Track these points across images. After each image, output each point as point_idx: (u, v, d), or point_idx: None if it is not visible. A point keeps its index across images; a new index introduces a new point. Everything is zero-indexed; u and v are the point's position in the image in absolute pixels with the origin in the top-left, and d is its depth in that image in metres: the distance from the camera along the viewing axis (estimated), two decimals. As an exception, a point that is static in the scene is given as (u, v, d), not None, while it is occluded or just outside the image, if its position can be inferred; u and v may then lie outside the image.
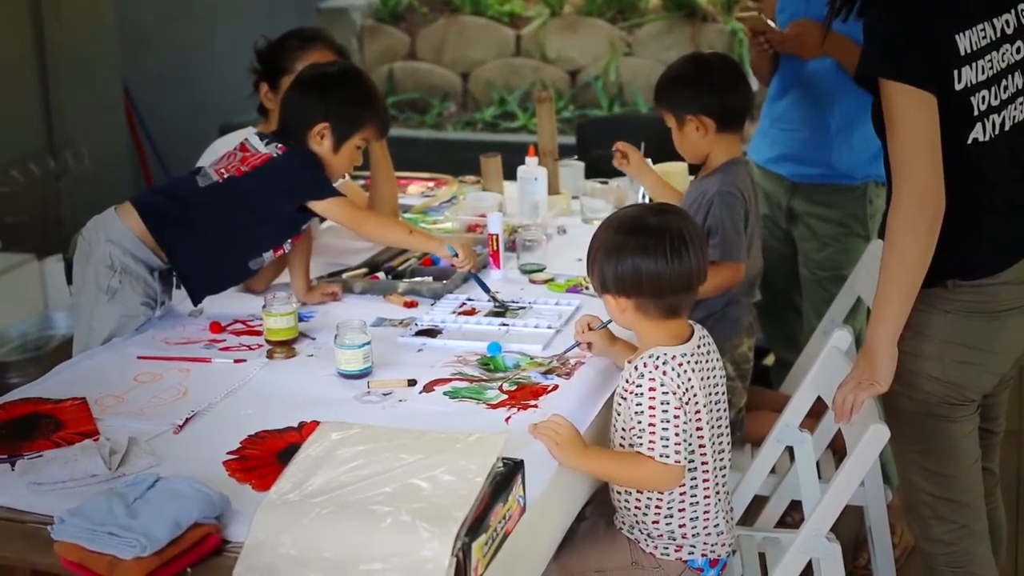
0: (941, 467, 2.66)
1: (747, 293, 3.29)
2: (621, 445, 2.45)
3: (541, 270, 3.36)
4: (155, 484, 2.08)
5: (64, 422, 2.46)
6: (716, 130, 3.19)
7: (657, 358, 2.38)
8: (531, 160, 3.87)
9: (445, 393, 2.60)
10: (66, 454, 2.27)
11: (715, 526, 2.50)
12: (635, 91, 6.87)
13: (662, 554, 2.50)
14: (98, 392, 2.62)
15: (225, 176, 2.96)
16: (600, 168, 4.06)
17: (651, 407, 2.34)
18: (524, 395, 2.58)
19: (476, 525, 1.94)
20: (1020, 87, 2.55)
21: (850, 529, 3.49)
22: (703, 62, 3.32)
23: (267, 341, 2.84)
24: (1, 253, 5.29)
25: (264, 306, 2.84)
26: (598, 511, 2.63)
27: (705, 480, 2.47)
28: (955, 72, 2.44)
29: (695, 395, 2.39)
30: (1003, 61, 2.50)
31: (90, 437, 2.37)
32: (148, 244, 2.95)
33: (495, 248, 3.36)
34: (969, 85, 2.45)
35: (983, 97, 2.48)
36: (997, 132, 2.51)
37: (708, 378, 2.47)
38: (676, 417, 2.34)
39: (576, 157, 4.05)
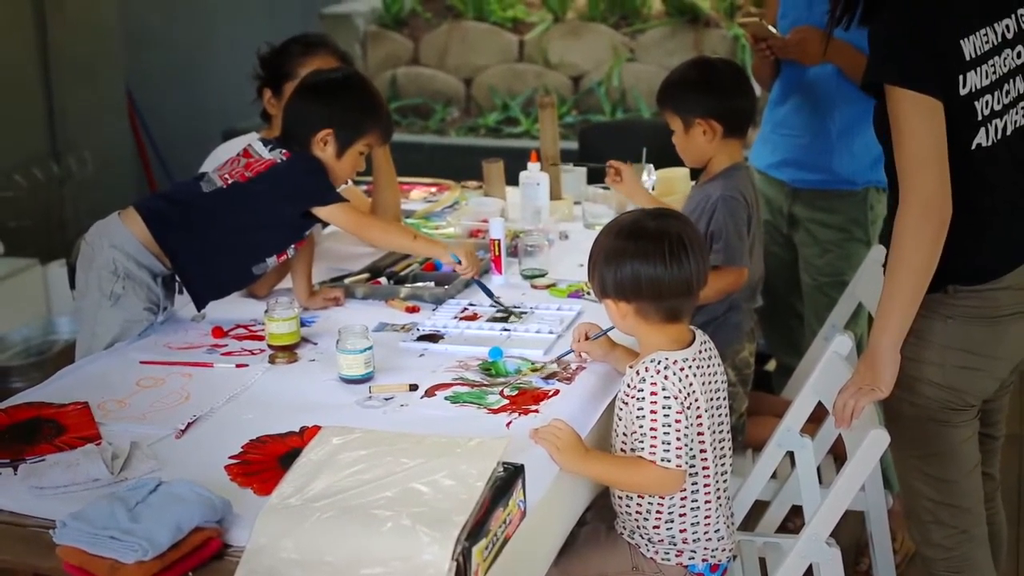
0: (941, 472, 2.66)
1: (749, 299, 3.30)
2: (622, 450, 2.45)
3: (543, 275, 3.36)
4: (157, 488, 2.09)
5: (66, 426, 2.47)
6: (723, 135, 3.19)
7: (659, 363, 2.38)
8: (533, 165, 3.87)
9: (446, 398, 2.60)
10: (68, 458, 2.27)
11: (716, 531, 2.50)
12: (637, 96, 6.87)
13: (663, 559, 2.50)
14: (100, 397, 2.63)
15: (229, 182, 2.97)
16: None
17: (652, 411, 2.34)
18: (525, 400, 2.58)
19: (476, 529, 1.94)
20: (1022, 91, 2.56)
21: (851, 534, 3.49)
22: (712, 66, 3.34)
23: (269, 346, 2.85)
24: (4, 258, 5.30)
25: (266, 311, 2.84)
26: (599, 516, 2.64)
27: (706, 485, 2.47)
28: (960, 77, 2.44)
29: (696, 400, 2.40)
30: (1005, 66, 2.51)
31: (92, 441, 2.37)
32: (151, 249, 2.95)
33: (497, 253, 3.36)
34: (974, 90, 2.46)
35: (987, 102, 2.48)
36: (999, 137, 2.52)
37: (709, 383, 2.47)
38: (677, 422, 2.34)
39: (572, 165, 4.04)
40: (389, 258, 3.50)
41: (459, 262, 3.14)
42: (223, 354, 2.89)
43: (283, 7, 7.23)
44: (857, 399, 2.54)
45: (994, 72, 2.49)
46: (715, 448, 2.48)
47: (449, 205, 4.11)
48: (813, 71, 3.55)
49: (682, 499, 2.46)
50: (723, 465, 2.52)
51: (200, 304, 3.02)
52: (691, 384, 2.39)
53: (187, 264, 2.98)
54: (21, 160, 5.84)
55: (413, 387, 2.64)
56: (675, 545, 2.49)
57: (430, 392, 2.63)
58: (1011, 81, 2.53)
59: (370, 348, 2.69)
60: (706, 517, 2.49)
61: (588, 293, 3.13)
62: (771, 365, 4.12)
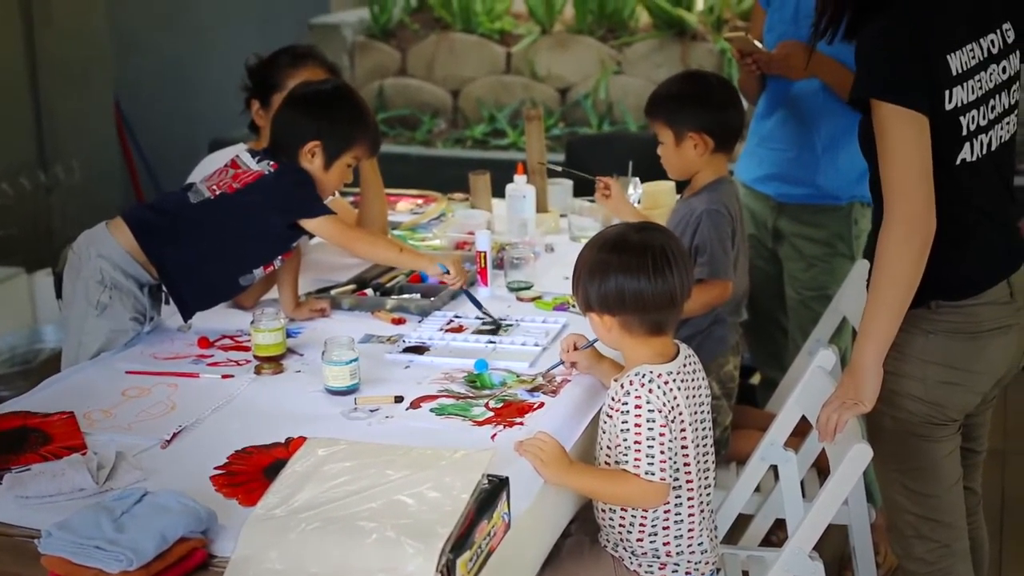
0: (923, 487, 2.68)
1: (733, 312, 3.31)
2: (606, 463, 2.46)
3: (529, 288, 3.37)
4: (142, 498, 2.09)
5: (52, 436, 2.47)
6: (713, 149, 3.21)
7: (643, 376, 2.39)
8: (519, 178, 3.88)
9: (432, 410, 2.61)
10: (54, 468, 2.28)
11: (699, 544, 2.51)
12: (624, 109, 6.89)
13: (646, 572, 2.51)
14: (86, 406, 2.63)
15: (217, 193, 2.98)
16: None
17: (637, 424, 2.35)
18: (510, 412, 2.59)
19: (461, 541, 1.95)
20: (1007, 107, 2.57)
21: (834, 548, 3.50)
22: (706, 80, 3.35)
23: (255, 357, 2.85)
24: (-9, 266, 5.30)
25: (252, 322, 2.85)
26: (582, 529, 2.64)
27: (690, 498, 2.48)
28: (946, 92, 2.46)
29: (680, 413, 2.41)
30: (991, 81, 2.53)
31: (78, 451, 2.38)
32: (139, 260, 2.96)
33: (483, 266, 3.37)
34: (959, 105, 2.47)
35: (972, 117, 2.50)
36: (984, 152, 2.53)
37: (693, 396, 2.48)
38: (661, 435, 2.34)
39: (560, 169, 4.04)
40: (375, 269, 3.51)
41: (447, 272, 3.15)
42: (209, 364, 2.90)
43: (272, 17, 7.23)
44: (840, 413, 2.55)
45: (980, 87, 2.50)
46: (699, 461, 2.49)
47: (435, 217, 4.12)
48: (799, 85, 3.57)
49: (665, 512, 2.47)
50: (707, 479, 2.53)
51: (186, 315, 3.03)
52: (675, 398, 2.40)
53: (174, 274, 2.98)
54: (8, 168, 5.83)
55: (398, 399, 2.65)
56: (658, 558, 2.50)
57: (415, 404, 2.64)
58: (996, 96, 2.54)
59: (356, 360, 2.69)
60: (689, 530, 2.49)
61: (573, 306, 3.14)
62: (755, 378, 4.13)
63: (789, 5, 3.59)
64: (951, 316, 2.57)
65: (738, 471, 3.20)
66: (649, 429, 2.34)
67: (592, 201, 3.91)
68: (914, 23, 2.46)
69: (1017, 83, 2.60)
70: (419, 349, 2.95)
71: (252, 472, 2.32)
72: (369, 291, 3.38)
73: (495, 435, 2.48)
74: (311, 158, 3.01)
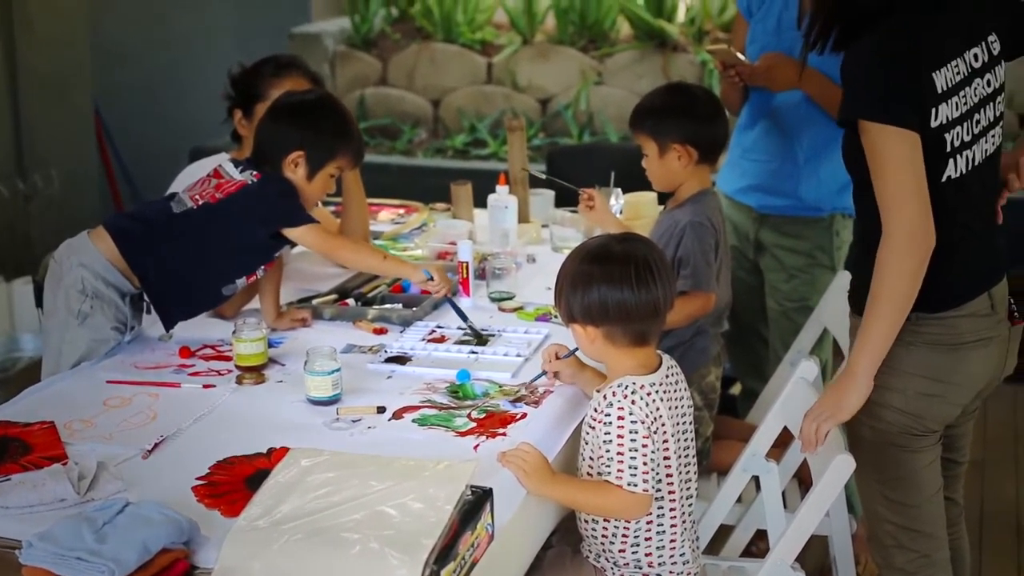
0: (903, 497, 2.68)
1: (715, 324, 3.32)
2: (589, 473, 2.46)
3: (511, 298, 3.37)
4: (124, 509, 2.08)
5: (32, 446, 2.46)
6: (697, 160, 3.21)
7: (626, 387, 2.39)
8: (501, 188, 3.88)
9: (414, 420, 2.61)
10: (34, 478, 2.27)
11: (681, 555, 2.51)
12: (605, 120, 6.90)
13: (629, 584, 2.52)
14: (67, 416, 2.62)
15: (200, 202, 2.97)
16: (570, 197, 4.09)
17: (619, 436, 2.36)
18: (493, 423, 2.59)
19: (445, 553, 1.95)
20: (991, 120, 2.58)
21: (815, 559, 3.51)
22: (690, 92, 3.36)
23: (236, 367, 2.85)
24: (-31, 275, 5.28)
25: (234, 332, 2.84)
26: (565, 539, 2.64)
27: (672, 509, 2.48)
28: (932, 110, 2.46)
29: (663, 425, 2.41)
30: (975, 96, 2.53)
31: (59, 461, 2.36)
32: (120, 269, 2.95)
33: (465, 276, 3.37)
34: (944, 122, 2.48)
35: (957, 133, 2.50)
36: (969, 168, 2.54)
37: (676, 408, 2.48)
38: (644, 446, 2.35)
39: (544, 177, 4.02)
40: (357, 279, 3.50)
41: (431, 279, 3.14)
42: (190, 374, 2.88)
43: (252, 26, 7.22)
44: (820, 424, 2.56)
45: (964, 103, 2.51)
46: (681, 472, 2.49)
47: (417, 227, 4.12)
48: (781, 97, 3.58)
49: (648, 523, 2.47)
50: (689, 489, 2.54)
51: (168, 324, 3.01)
52: (658, 409, 2.40)
53: (156, 284, 2.97)
54: (-13, 177, 5.82)
55: (381, 409, 2.64)
56: (640, 569, 2.50)
57: (398, 414, 2.63)
58: (981, 111, 2.55)
59: (338, 370, 2.69)
60: (671, 541, 2.50)
61: (556, 316, 3.14)
62: (736, 389, 4.14)
63: (772, 16, 3.61)
64: (932, 328, 2.57)
65: (719, 482, 3.21)
66: (632, 440, 2.35)
67: (574, 211, 3.92)
68: (901, 42, 2.46)
69: (1002, 95, 2.61)
70: (401, 359, 2.95)
71: (234, 482, 2.32)
72: (351, 301, 3.37)
73: (478, 446, 2.48)
74: (294, 168, 3.00)
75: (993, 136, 2.61)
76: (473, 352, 2.97)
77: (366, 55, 7.40)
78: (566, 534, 2.63)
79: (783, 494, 2.93)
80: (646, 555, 2.49)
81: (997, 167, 2.67)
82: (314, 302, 3.33)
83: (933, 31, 2.49)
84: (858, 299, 2.60)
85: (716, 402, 3.36)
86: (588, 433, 2.47)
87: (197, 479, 2.34)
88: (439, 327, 3.15)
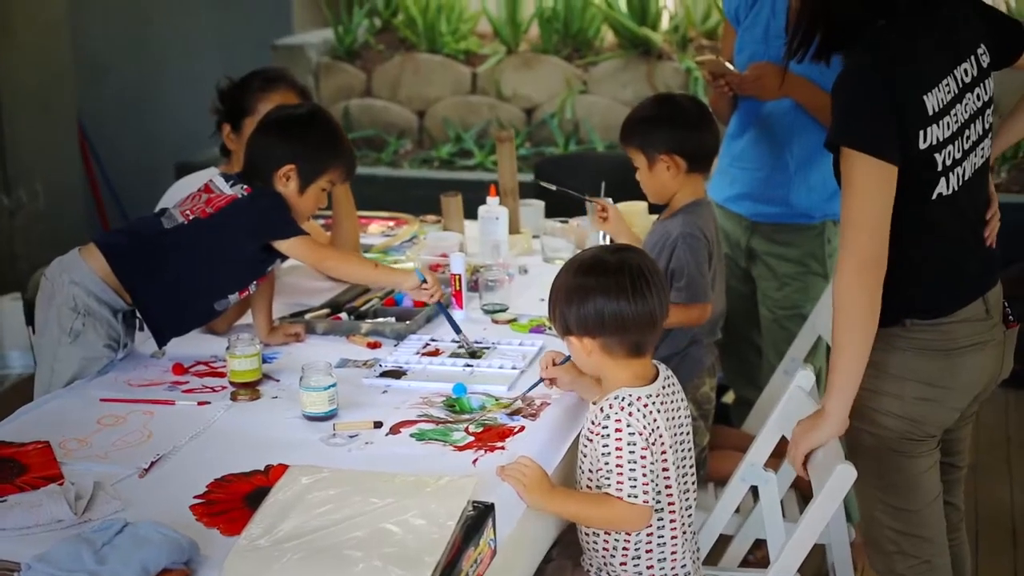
0: (903, 503, 2.68)
1: (709, 334, 3.31)
2: (588, 486, 2.46)
3: (504, 310, 3.36)
4: (123, 530, 2.06)
5: (27, 466, 2.44)
6: (687, 170, 3.20)
7: (623, 400, 2.39)
8: (492, 200, 3.87)
9: (411, 435, 2.59)
10: (31, 499, 2.25)
11: (682, 567, 2.50)
12: (590, 129, 6.89)
13: (630, 596, 2.51)
14: (61, 435, 2.60)
15: (190, 217, 2.95)
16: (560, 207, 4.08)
17: (618, 448, 2.35)
18: (491, 437, 2.58)
19: (448, 570, 1.94)
20: (981, 133, 2.59)
21: (812, 566, 3.49)
22: (674, 102, 3.35)
23: (231, 383, 2.83)
24: (-45, 292, 5.25)
25: (228, 348, 2.82)
26: (565, 553, 2.63)
27: (672, 520, 2.48)
28: (921, 132, 2.46)
29: (661, 436, 2.40)
30: (966, 112, 2.53)
31: (55, 481, 2.35)
32: (112, 286, 2.93)
33: (458, 288, 3.36)
34: (935, 142, 2.48)
35: (949, 152, 2.51)
36: (960, 184, 2.55)
37: (673, 418, 2.48)
38: (643, 458, 2.35)
39: (555, 188, 3.97)
40: (349, 293, 3.48)
41: (424, 280, 3.12)
42: (184, 391, 2.86)
43: (235, 39, 7.19)
44: (796, 456, 2.59)
45: (955, 121, 2.51)
46: (680, 483, 2.49)
47: (407, 239, 4.11)
48: (770, 105, 3.57)
49: (648, 535, 2.46)
50: (688, 500, 2.53)
51: (161, 341, 3.00)
52: (655, 420, 2.40)
53: (148, 300, 2.95)
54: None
55: (378, 424, 2.63)
56: None
57: (395, 429, 2.62)
58: (971, 126, 2.55)
59: (334, 385, 2.68)
60: (672, 552, 2.49)
61: (550, 328, 3.12)
62: (729, 397, 4.14)
63: (759, 24, 3.61)
64: (926, 334, 2.58)
65: (716, 491, 3.20)
66: (630, 452, 2.34)
67: (564, 222, 3.92)
68: (890, 67, 2.46)
69: (992, 107, 2.62)
70: (396, 373, 2.93)
71: (232, 500, 2.30)
72: (343, 315, 3.35)
73: (476, 460, 2.47)
74: (286, 182, 2.99)
75: (982, 148, 2.61)
76: (468, 365, 2.96)
77: (350, 66, 7.38)
78: (567, 547, 2.62)
79: (781, 503, 2.92)
80: (647, 567, 2.48)
81: (986, 178, 2.68)
82: (307, 316, 3.31)
83: (920, 54, 2.49)
84: None
85: (711, 412, 3.35)
86: (586, 446, 2.46)
87: (195, 498, 2.32)
88: (433, 340, 3.14)
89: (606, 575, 2.52)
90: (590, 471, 2.44)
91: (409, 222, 4.27)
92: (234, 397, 2.81)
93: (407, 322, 3.23)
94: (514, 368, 2.93)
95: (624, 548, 2.47)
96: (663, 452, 2.42)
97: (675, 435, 2.47)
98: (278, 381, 2.90)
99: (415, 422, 2.65)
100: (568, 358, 2.69)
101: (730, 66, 3.59)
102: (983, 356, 2.62)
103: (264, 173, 2.99)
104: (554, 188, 3.76)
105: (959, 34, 2.56)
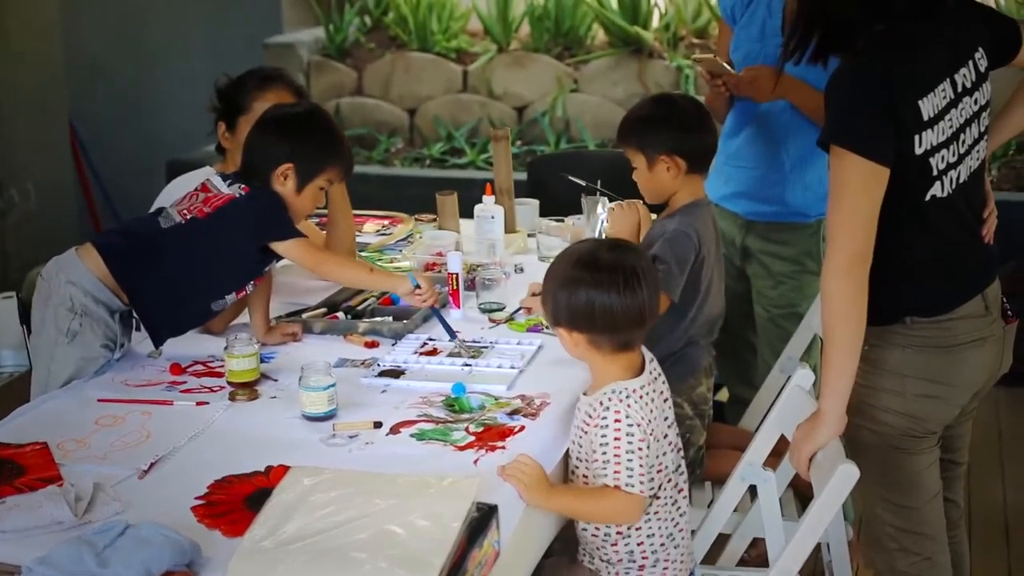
0: (904, 500, 2.69)
1: (707, 335, 3.30)
2: (584, 476, 2.49)
3: (501, 309, 3.35)
4: (125, 531, 2.05)
5: (26, 467, 2.42)
6: (686, 171, 3.20)
7: (620, 392, 2.43)
8: (488, 199, 3.87)
9: (412, 435, 2.59)
10: (30, 500, 2.24)
11: (669, 537, 2.54)
12: (582, 127, 6.89)
13: (624, 577, 2.53)
14: (59, 436, 2.58)
15: (188, 217, 2.94)
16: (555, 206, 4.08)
17: (616, 438, 2.39)
18: (491, 436, 2.57)
19: (454, 571, 1.94)
20: (976, 137, 2.59)
21: (808, 564, 3.49)
22: (674, 102, 3.34)
23: (229, 383, 2.82)
24: (-53, 291, 5.22)
25: (226, 347, 2.81)
26: (563, 547, 2.65)
27: (657, 497, 2.51)
28: (916, 137, 2.47)
29: (653, 422, 2.45)
30: (961, 117, 2.54)
31: (53, 483, 2.33)
32: (109, 286, 2.91)
33: (455, 287, 3.35)
34: (929, 147, 2.49)
35: (942, 156, 2.52)
36: (954, 187, 2.55)
37: (664, 401, 2.55)
38: (640, 448, 2.38)
39: (584, 184, 3.95)
40: (345, 292, 3.47)
41: (418, 286, 3.11)
42: (182, 391, 2.85)
43: (226, 37, 7.18)
44: (799, 458, 2.59)
45: (950, 127, 2.52)
46: (668, 464, 2.54)
47: (403, 238, 4.10)
48: (766, 104, 3.57)
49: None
50: (675, 482, 2.58)
51: (158, 341, 2.98)
52: (651, 411, 2.45)
53: (145, 301, 2.94)
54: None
55: (377, 424, 2.62)
56: (635, 562, 2.53)
57: (395, 429, 2.61)
58: (967, 130, 2.56)
59: (333, 385, 2.67)
60: (660, 530, 2.53)
61: (547, 327, 3.12)
62: (723, 395, 4.14)
63: (755, 23, 3.61)
64: (927, 331, 2.59)
65: (714, 490, 3.20)
66: (628, 443, 2.38)
67: (560, 221, 3.91)
68: (886, 68, 2.47)
69: (988, 111, 2.62)
70: (395, 373, 2.93)
71: (233, 502, 2.29)
72: (340, 314, 3.34)
73: (477, 460, 2.46)
74: (283, 181, 2.98)
75: (978, 151, 2.62)
76: (467, 364, 2.95)
77: (341, 65, 7.37)
78: (566, 542, 2.64)
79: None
80: (638, 544, 2.52)
81: (982, 180, 2.69)
82: (304, 316, 3.31)
83: (917, 59, 2.50)
84: None
85: (708, 412, 3.34)
86: (581, 438, 2.49)
87: (196, 499, 2.31)
88: (431, 339, 3.13)
89: (599, 562, 2.56)
90: (586, 461, 2.48)
91: (404, 221, 4.26)
92: (232, 397, 2.80)
93: (404, 321, 3.22)
94: (512, 368, 2.92)
95: (618, 531, 2.51)
96: (656, 440, 2.46)
97: (665, 417, 2.53)
98: (276, 381, 2.89)
99: (415, 422, 2.64)
100: None
101: (727, 66, 3.59)
102: (983, 352, 2.63)
103: (262, 172, 2.98)
104: (583, 183, 3.74)
105: (958, 38, 2.57)
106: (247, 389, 2.81)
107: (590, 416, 2.45)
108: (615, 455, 2.37)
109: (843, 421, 2.54)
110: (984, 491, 4.42)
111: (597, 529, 2.51)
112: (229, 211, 2.94)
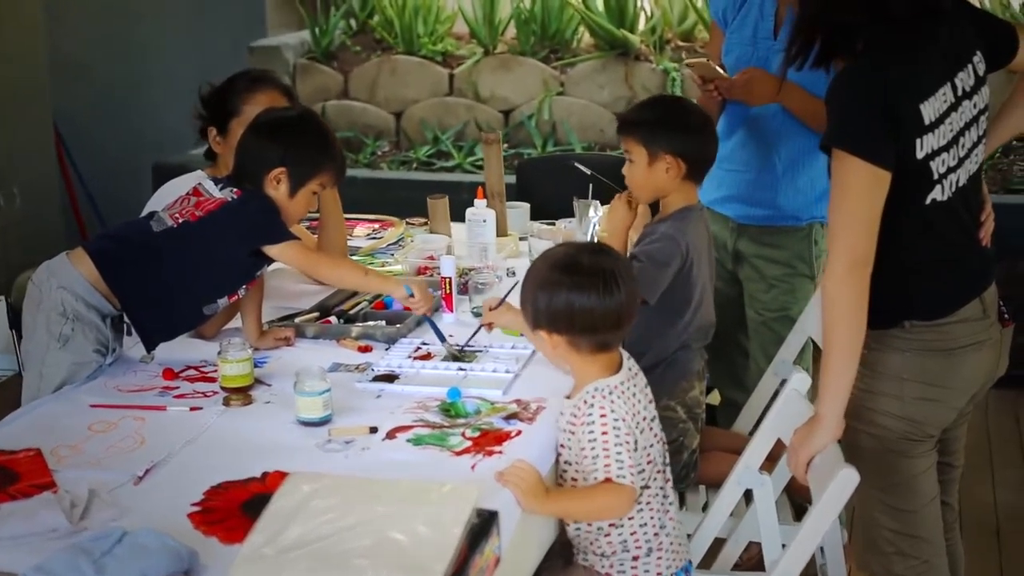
0: (902, 503, 2.69)
1: (699, 339, 3.29)
2: (575, 480, 2.49)
3: (494, 312, 3.34)
4: (122, 539, 2.04)
5: (20, 474, 2.40)
6: (685, 175, 3.19)
7: (602, 390, 2.45)
8: (479, 202, 3.86)
9: (408, 440, 2.57)
10: (25, 507, 2.22)
11: (662, 526, 2.55)
12: (568, 130, 6.89)
13: (618, 572, 2.53)
14: (52, 442, 2.56)
15: (180, 221, 2.92)
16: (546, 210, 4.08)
17: (604, 433, 2.40)
18: (488, 441, 2.56)
19: (456, 578, 1.93)
20: (975, 140, 2.59)
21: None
22: (683, 106, 3.35)
23: (223, 388, 2.80)
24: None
25: (219, 352, 2.80)
26: (558, 549, 2.64)
27: (646, 488, 2.51)
28: (917, 141, 2.47)
29: (636, 415, 2.46)
30: (961, 120, 2.54)
31: (48, 489, 2.32)
32: (101, 290, 2.90)
33: (448, 291, 3.34)
34: (930, 152, 2.49)
35: (943, 160, 2.52)
36: (954, 190, 2.55)
37: (645, 395, 2.55)
38: (627, 442, 2.40)
39: (590, 172, 3.92)
40: (337, 296, 3.46)
41: (412, 295, 3.10)
42: (175, 397, 2.84)
43: (212, 40, 7.16)
44: (797, 460, 2.58)
45: (950, 131, 2.52)
46: (656, 456, 2.54)
47: (394, 242, 4.09)
48: (758, 108, 3.56)
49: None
50: (665, 467, 2.59)
51: (150, 346, 2.97)
52: (633, 405, 2.46)
53: (137, 304, 2.92)
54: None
55: (373, 429, 2.61)
56: (628, 552, 2.52)
57: (391, 434, 2.60)
58: (966, 133, 2.56)
59: (328, 390, 2.65)
60: (651, 518, 2.53)
61: (519, 337, 3.11)
62: (715, 398, 4.13)
63: (747, 27, 3.60)
64: (925, 334, 2.59)
65: (708, 494, 3.20)
66: (616, 436, 2.40)
67: (551, 224, 3.91)
68: (888, 72, 2.47)
69: (987, 114, 2.62)
70: (389, 377, 2.91)
71: (230, 508, 2.27)
72: (333, 319, 3.32)
73: (475, 465, 2.45)
74: (276, 185, 2.96)
75: (976, 155, 2.62)
76: (461, 369, 2.94)
77: (327, 68, 7.36)
78: (561, 547, 2.63)
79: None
80: (631, 534, 2.52)
81: (979, 183, 2.69)
82: (296, 320, 3.29)
83: (918, 63, 2.49)
84: None
85: (701, 416, 3.33)
86: (569, 439, 2.50)
87: (192, 505, 2.29)
88: (424, 344, 3.12)
89: (593, 557, 2.56)
90: (574, 463, 2.48)
91: (395, 224, 4.25)
92: (227, 402, 2.78)
93: (398, 326, 3.21)
94: (507, 372, 2.91)
95: (611, 524, 2.51)
96: (642, 432, 2.47)
97: (645, 408, 2.53)
98: (270, 386, 2.88)
99: (411, 427, 2.63)
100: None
101: (719, 70, 3.58)
102: (981, 355, 2.64)
103: (254, 176, 2.97)
104: (589, 172, 3.73)
105: (957, 42, 2.57)
106: (241, 394, 2.79)
107: (575, 416, 2.46)
108: (604, 449, 2.38)
109: (841, 425, 2.54)
110: (975, 494, 4.42)
111: (589, 524, 2.51)
112: (221, 215, 2.92)
